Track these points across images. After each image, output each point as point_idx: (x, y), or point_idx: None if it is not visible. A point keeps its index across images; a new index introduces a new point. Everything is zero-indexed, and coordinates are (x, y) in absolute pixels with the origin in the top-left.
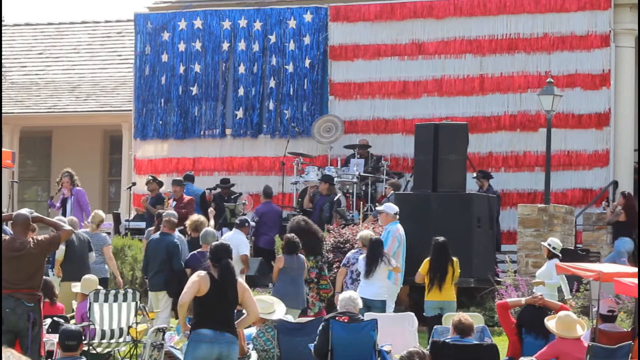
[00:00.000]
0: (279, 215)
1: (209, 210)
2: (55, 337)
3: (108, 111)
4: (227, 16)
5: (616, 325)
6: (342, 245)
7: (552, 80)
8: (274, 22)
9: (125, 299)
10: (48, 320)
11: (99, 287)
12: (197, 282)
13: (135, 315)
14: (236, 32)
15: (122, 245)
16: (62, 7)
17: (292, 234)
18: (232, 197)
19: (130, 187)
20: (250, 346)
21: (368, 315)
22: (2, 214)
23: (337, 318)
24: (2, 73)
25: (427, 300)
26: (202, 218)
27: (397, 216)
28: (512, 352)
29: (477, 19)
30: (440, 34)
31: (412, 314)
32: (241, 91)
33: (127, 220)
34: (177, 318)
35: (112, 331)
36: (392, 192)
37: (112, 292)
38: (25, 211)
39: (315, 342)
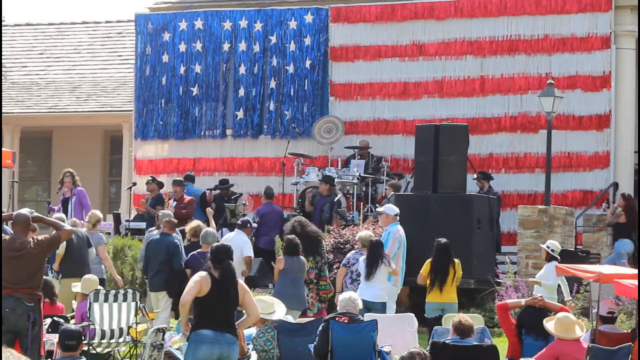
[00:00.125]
0: (280, 216)
1: (207, 210)
2: (55, 337)
3: (108, 111)
4: (228, 17)
5: (616, 326)
6: (342, 246)
7: (553, 82)
8: (274, 23)
9: (125, 299)
10: (48, 320)
11: (99, 287)
12: (198, 282)
13: (135, 316)
14: (237, 32)
15: (122, 246)
16: (62, 7)
17: (293, 235)
18: (233, 197)
19: (130, 188)
20: (250, 346)
21: (368, 316)
22: (3, 214)
23: (337, 319)
24: (3, 73)
25: (428, 301)
26: (201, 224)
27: (398, 217)
28: (512, 353)
29: (478, 21)
30: (441, 35)
31: (412, 314)
32: (242, 92)
33: (127, 221)
34: (177, 318)
35: (112, 331)
36: (393, 193)
37: (112, 292)
38: (25, 211)
39: (315, 343)
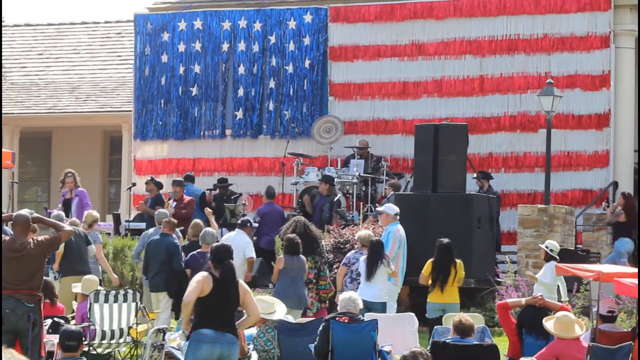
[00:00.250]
0: (281, 216)
1: (206, 210)
2: (55, 338)
3: (108, 112)
4: (227, 17)
5: (616, 325)
6: (342, 246)
7: (552, 81)
8: (273, 23)
9: (125, 300)
10: (48, 321)
11: (100, 287)
12: (200, 282)
13: (136, 316)
14: (236, 32)
15: (122, 246)
16: (62, 7)
17: (294, 235)
18: (232, 197)
19: (130, 188)
20: (251, 346)
21: (368, 316)
22: (2, 215)
23: (337, 318)
24: (2, 74)
25: (430, 302)
26: (202, 224)
27: (398, 217)
28: (512, 352)
29: (477, 20)
30: (440, 34)
31: (413, 314)
32: (241, 92)
33: (127, 221)
34: (177, 319)
35: (113, 332)
36: (392, 192)
37: (113, 292)
38: (25, 212)
39: (316, 343)
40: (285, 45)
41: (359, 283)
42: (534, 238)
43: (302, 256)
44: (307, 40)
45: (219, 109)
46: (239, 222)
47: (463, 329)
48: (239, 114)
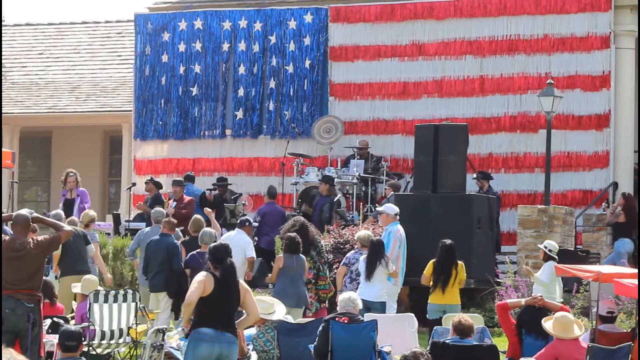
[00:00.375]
0: (281, 216)
1: (206, 209)
2: (55, 338)
3: (108, 111)
4: (228, 17)
5: (616, 326)
6: (342, 246)
7: (552, 82)
8: (274, 23)
9: (125, 300)
10: (48, 321)
11: (99, 287)
12: (202, 282)
13: (135, 316)
14: (236, 32)
15: (122, 246)
16: (62, 7)
17: (295, 234)
18: (232, 197)
19: (130, 188)
20: (250, 347)
21: (368, 316)
22: (2, 215)
23: (337, 319)
24: (2, 73)
25: (430, 303)
26: (203, 220)
27: (398, 217)
28: (512, 353)
29: (478, 20)
30: (441, 35)
31: (412, 314)
32: (241, 92)
33: (127, 221)
34: (176, 319)
35: (112, 332)
36: (392, 193)
37: (112, 292)
38: (25, 212)
39: (315, 343)
40: (286, 45)
41: (358, 283)
42: (534, 238)
43: (302, 255)
44: (307, 41)
45: (219, 109)
46: (239, 221)
47: (463, 330)
48: (239, 114)
